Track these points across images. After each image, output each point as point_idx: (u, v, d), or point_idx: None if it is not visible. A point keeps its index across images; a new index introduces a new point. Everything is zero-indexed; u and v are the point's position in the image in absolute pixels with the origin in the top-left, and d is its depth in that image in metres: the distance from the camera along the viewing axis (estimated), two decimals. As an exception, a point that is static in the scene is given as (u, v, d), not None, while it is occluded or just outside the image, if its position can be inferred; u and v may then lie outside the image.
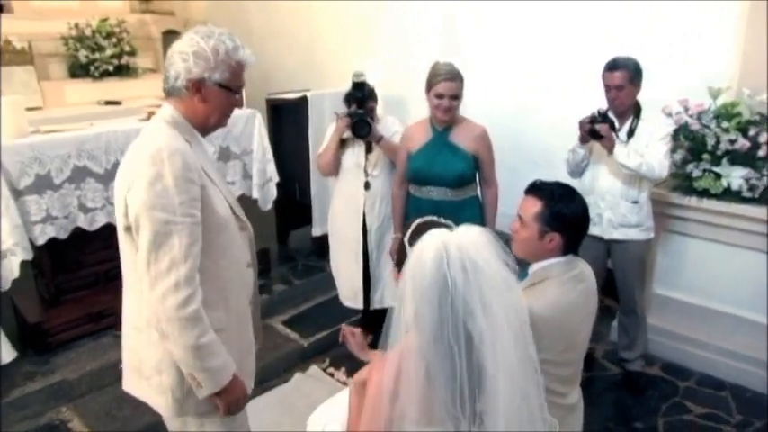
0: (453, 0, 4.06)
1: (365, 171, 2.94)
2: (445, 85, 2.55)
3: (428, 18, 4.14)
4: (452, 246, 1.12)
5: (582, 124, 2.65)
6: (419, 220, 1.35)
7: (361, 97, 2.87)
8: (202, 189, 1.45)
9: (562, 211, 1.68)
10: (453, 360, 1.09)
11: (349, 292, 3.09)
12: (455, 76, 2.57)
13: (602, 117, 2.61)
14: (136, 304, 1.53)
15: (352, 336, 1.77)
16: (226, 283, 1.55)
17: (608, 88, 2.65)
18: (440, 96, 2.56)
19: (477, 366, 1.11)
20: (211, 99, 1.50)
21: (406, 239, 1.63)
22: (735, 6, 2.97)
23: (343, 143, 2.94)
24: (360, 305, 3.08)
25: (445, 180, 2.63)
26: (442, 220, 1.69)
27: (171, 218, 1.37)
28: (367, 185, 2.94)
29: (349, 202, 2.98)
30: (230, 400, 1.53)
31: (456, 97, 2.57)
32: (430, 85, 2.60)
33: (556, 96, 3.69)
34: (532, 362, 1.18)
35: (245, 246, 1.67)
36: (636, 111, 2.70)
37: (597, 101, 2.72)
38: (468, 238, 1.15)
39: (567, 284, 1.70)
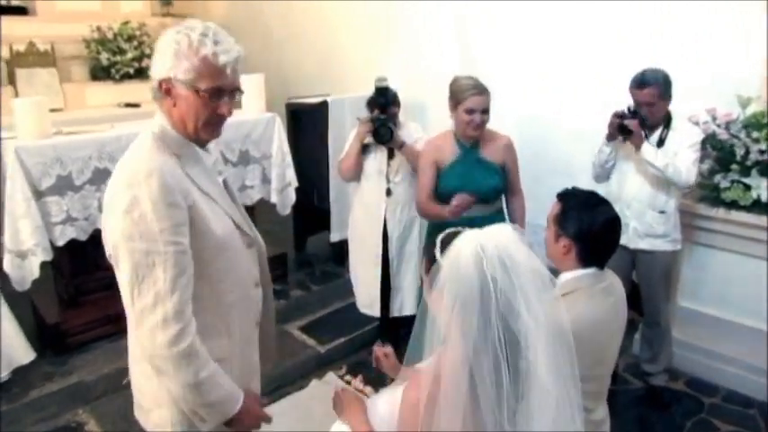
0: (470, 4, 4.04)
1: (387, 177, 2.91)
2: (475, 100, 2.48)
3: (446, 23, 4.11)
4: (489, 244, 1.08)
5: (611, 120, 2.61)
6: (447, 231, 1.30)
7: (384, 102, 2.85)
8: (192, 210, 1.29)
9: (576, 218, 1.66)
10: (499, 365, 1.05)
11: (366, 299, 3.07)
12: (483, 90, 2.50)
13: (633, 113, 2.56)
14: (132, 336, 1.41)
15: (386, 357, 1.69)
16: (228, 308, 1.42)
17: (638, 104, 2.59)
18: (470, 112, 2.48)
19: (522, 369, 1.06)
20: (181, 102, 1.31)
21: (437, 252, 1.57)
22: (763, 12, 2.90)
23: (365, 149, 2.91)
24: (377, 313, 3.05)
25: (480, 196, 2.55)
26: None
27: (152, 247, 1.22)
28: (389, 192, 2.92)
29: (370, 209, 2.96)
30: (243, 428, 1.43)
31: (486, 111, 2.51)
32: (457, 101, 2.52)
33: (572, 101, 3.65)
34: (573, 362, 1.13)
35: (253, 263, 1.52)
36: (666, 121, 2.65)
37: (614, 106, 2.67)
38: (502, 236, 1.11)
39: (596, 297, 1.66)
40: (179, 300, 1.25)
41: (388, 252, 2.96)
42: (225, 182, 1.52)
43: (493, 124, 2.66)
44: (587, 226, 1.64)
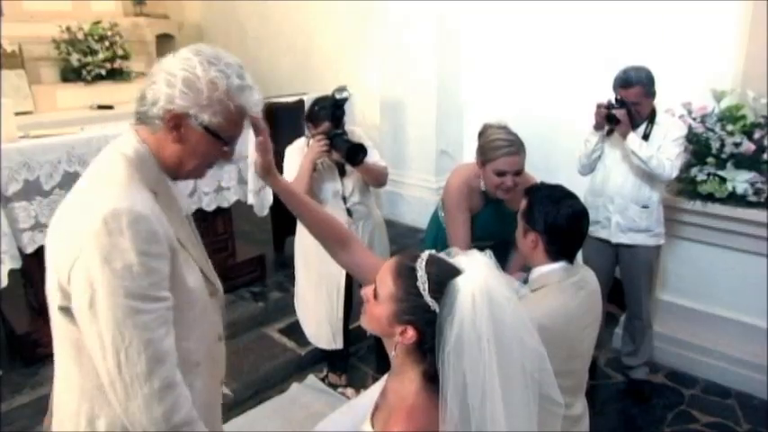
0: (450, 1, 4.02)
1: (343, 198, 2.65)
2: (508, 161, 2.14)
3: (426, 20, 4.09)
4: (493, 293, 1.06)
5: (598, 108, 2.62)
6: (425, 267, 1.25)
7: (341, 115, 2.55)
8: (172, 258, 1.14)
9: (541, 212, 1.67)
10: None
11: (328, 336, 2.81)
12: (519, 149, 2.15)
13: (620, 103, 2.58)
14: (79, 396, 1.18)
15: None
16: (191, 367, 1.22)
17: (623, 101, 2.60)
18: (501, 174, 2.15)
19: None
20: (190, 142, 1.17)
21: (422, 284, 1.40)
22: (738, 7, 2.93)
23: (313, 168, 2.55)
24: (340, 345, 2.81)
25: (507, 241, 2.26)
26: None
27: (140, 306, 1.06)
28: (350, 213, 2.66)
29: None
30: None
31: (520, 173, 2.17)
32: (486, 159, 2.18)
33: (551, 97, 3.66)
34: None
35: (216, 315, 1.35)
36: (651, 116, 2.66)
37: (594, 101, 2.67)
38: (493, 281, 1.09)
39: (567, 291, 1.66)
40: (171, 364, 1.10)
41: (351, 278, 2.70)
42: (189, 218, 1.37)
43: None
44: (552, 219, 1.66)
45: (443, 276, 1.08)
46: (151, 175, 1.19)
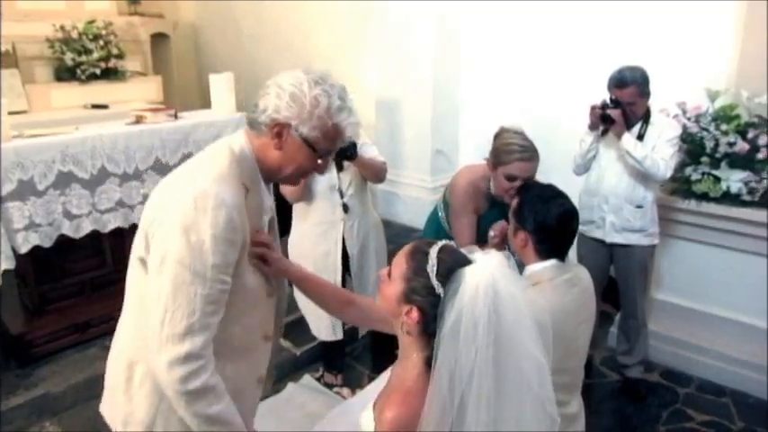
0: (450, 1, 4.02)
1: (340, 192, 2.64)
2: (521, 167, 2.12)
3: (426, 20, 4.09)
4: (498, 285, 1.10)
5: (593, 109, 2.62)
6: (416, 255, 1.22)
7: None
8: (241, 250, 1.27)
9: (531, 211, 1.70)
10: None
11: (328, 327, 2.80)
12: (533, 155, 2.14)
13: (615, 103, 2.58)
14: (130, 340, 1.35)
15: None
16: (228, 352, 1.32)
17: (618, 102, 2.60)
18: (512, 179, 2.13)
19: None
20: (289, 150, 1.30)
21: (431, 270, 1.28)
22: (732, 7, 2.94)
23: None
24: (341, 335, 2.81)
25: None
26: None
27: (198, 280, 1.19)
28: (345, 208, 2.65)
29: (326, 230, 2.68)
30: None
31: (530, 179, 2.14)
32: (499, 162, 2.16)
33: (547, 98, 3.66)
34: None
35: (270, 314, 1.46)
36: (645, 116, 2.67)
37: (589, 101, 2.68)
38: (499, 273, 1.12)
39: (559, 288, 1.68)
40: (207, 338, 1.22)
41: (346, 272, 2.75)
42: (272, 222, 1.51)
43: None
44: (542, 219, 1.67)
45: (453, 264, 1.14)
46: (248, 172, 1.31)
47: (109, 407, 1.45)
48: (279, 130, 1.28)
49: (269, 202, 1.47)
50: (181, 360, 1.19)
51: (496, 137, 2.24)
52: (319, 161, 1.34)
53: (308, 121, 1.27)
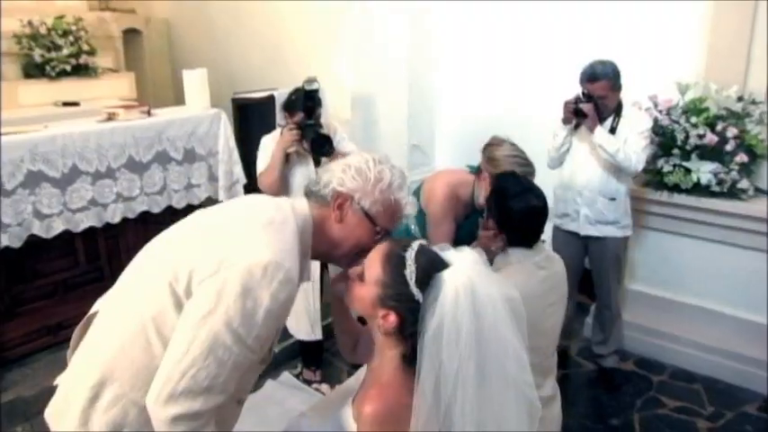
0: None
1: None
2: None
3: (400, 15, 4.08)
4: (477, 288, 1.10)
5: (566, 104, 2.65)
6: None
7: (312, 106, 2.59)
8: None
9: (498, 203, 1.77)
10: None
11: (305, 326, 2.80)
12: (533, 172, 2.13)
13: (588, 97, 2.61)
14: (112, 355, 1.23)
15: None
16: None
17: (590, 96, 2.63)
18: None
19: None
20: (350, 223, 1.31)
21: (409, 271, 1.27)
22: (701, 1, 2.99)
23: (286, 158, 2.61)
24: (319, 335, 2.81)
25: None
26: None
27: (237, 346, 1.15)
28: None
29: None
30: None
31: None
32: (491, 168, 2.16)
33: (520, 92, 3.70)
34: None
35: (252, 379, 1.42)
36: (617, 109, 2.70)
37: (561, 95, 2.71)
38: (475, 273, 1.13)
39: (526, 269, 1.73)
40: (222, 400, 1.18)
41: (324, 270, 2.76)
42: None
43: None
44: (506, 213, 1.72)
45: (431, 268, 1.13)
46: (304, 245, 1.30)
47: (55, 418, 1.33)
48: (341, 201, 1.31)
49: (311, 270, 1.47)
50: (189, 416, 1.14)
51: (493, 146, 2.22)
52: (377, 237, 1.33)
53: (371, 194, 1.31)
